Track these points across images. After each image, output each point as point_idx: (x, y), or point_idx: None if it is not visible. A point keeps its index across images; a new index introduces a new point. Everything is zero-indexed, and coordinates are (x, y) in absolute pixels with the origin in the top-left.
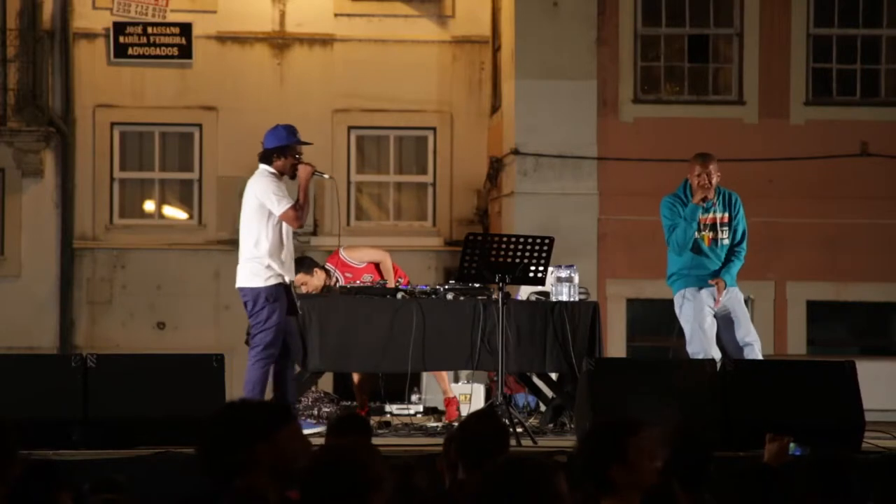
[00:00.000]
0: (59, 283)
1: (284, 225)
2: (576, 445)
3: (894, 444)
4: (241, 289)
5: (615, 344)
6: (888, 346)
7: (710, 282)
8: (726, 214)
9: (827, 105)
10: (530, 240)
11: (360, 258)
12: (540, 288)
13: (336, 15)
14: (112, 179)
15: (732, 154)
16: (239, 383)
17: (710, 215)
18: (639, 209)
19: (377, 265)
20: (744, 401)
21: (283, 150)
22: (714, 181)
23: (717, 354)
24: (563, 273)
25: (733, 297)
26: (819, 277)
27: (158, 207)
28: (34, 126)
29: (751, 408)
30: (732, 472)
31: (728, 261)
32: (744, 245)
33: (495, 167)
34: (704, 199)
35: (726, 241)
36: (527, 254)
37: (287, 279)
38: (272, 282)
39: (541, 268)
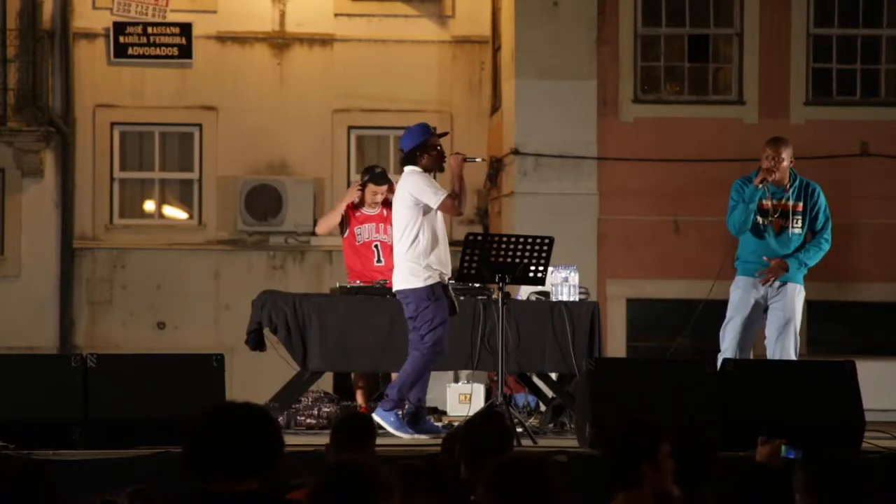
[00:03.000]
0: (59, 283)
1: (439, 223)
2: (603, 439)
3: (894, 444)
4: (401, 291)
5: (615, 344)
6: (888, 346)
7: (765, 258)
8: (801, 203)
9: (827, 105)
10: (530, 240)
11: None
12: (540, 288)
13: (336, 15)
14: (112, 179)
15: (732, 154)
16: (239, 383)
17: (783, 201)
18: (639, 209)
19: None
20: (744, 401)
21: (423, 146)
22: (784, 165)
23: (736, 352)
24: (563, 273)
25: (787, 296)
26: (819, 277)
27: (158, 207)
28: (34, 126)
29: (751, 408)
30: (731, 472)
31: (801, 246)
32: (825, 235)
33: (495, 167)
34: (764, 181)
35: (798, 231)
36: (527, 254)
37: (446, 278)
38: (431, 281)
39: (541, 268)
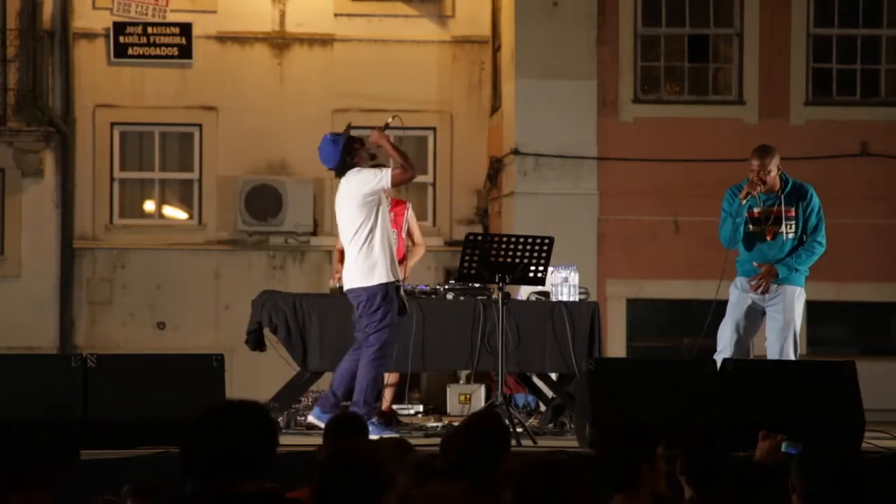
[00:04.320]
0: (59, 283)
1: (388, 227)
2: (601, 440)
3: (894, 444)
4: (353, 290)
5: (615, 344)
6: (888, 346)
7: (755, 264)
8: (793, 208)
9: (827, 105)
10: (530, 240)
11: (413, 223)
12: (540, 288)
13: (336, 15)
14: (112, 179)
15: (732, 154)
16: (239, 383)
17: (774, 207)
18: (639, 209)
19: (411, 234)
20: (744, 401)
21: (346, 150)
22: (772, 176)
23: (733, 352)
24: (563, 273)
25: (786, 299)
26: (819, 277)
27: (158, 207)
28: (34, 126)
29: (751, 408)
30: (731, 472)
31: (792, 251)
32: (817, 238)
33: (495, 167)
34: (749, 195)
35: (792, 236)
36: (527, 254)
37: (396, 279)
38: (383, 280)
39: (541, 268)
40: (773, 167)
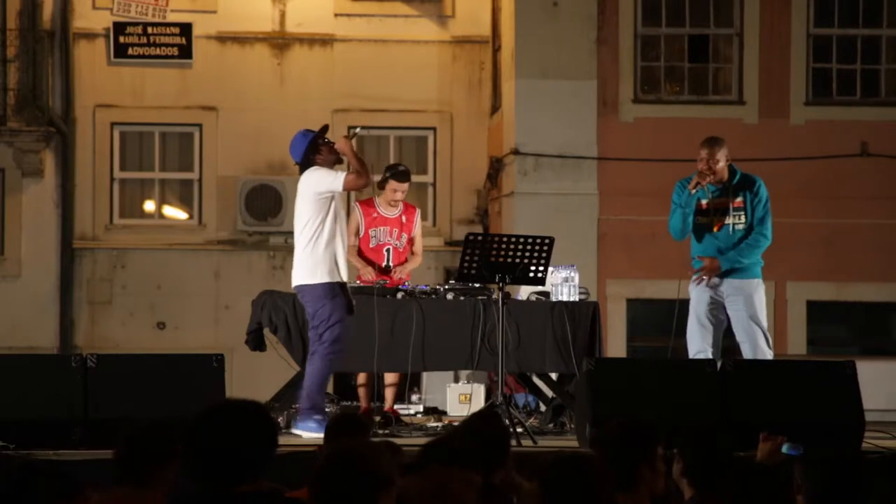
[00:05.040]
0: (59, 283)
1: (341, 224)
2: (601, 441)
3: (894, 444)
4: (300, 286)
5: (615, 344)
6: (888, 346)
7: (698, 257)
8: (741, 199)
9: (827, 105)
10: (530, 240)
11: (418, 231)
12: (540, 288)
13: (336, 15)
14: (112, 179)
15: (732, 154)
16: (239, 383)
17: (722, 199)
18: (639, 209)
19: (412, 240)
20: (744, 401)
21: (312, 148)
22: (720, 167)
23: (699, 350)
24: (563, 273)
25: (745, 293)
26: (819, 277)
27: (158, 207)
28: (34, 126)
29: (751, 408)
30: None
31: (736, 245)
32: (763, 231)
33: (495, 167)
34: (698, 185)
35: (741, 227)
36: (527, 254)
37: (345, 278)
38: (330, 278)
39: (541, 268)
40: (722, 157)
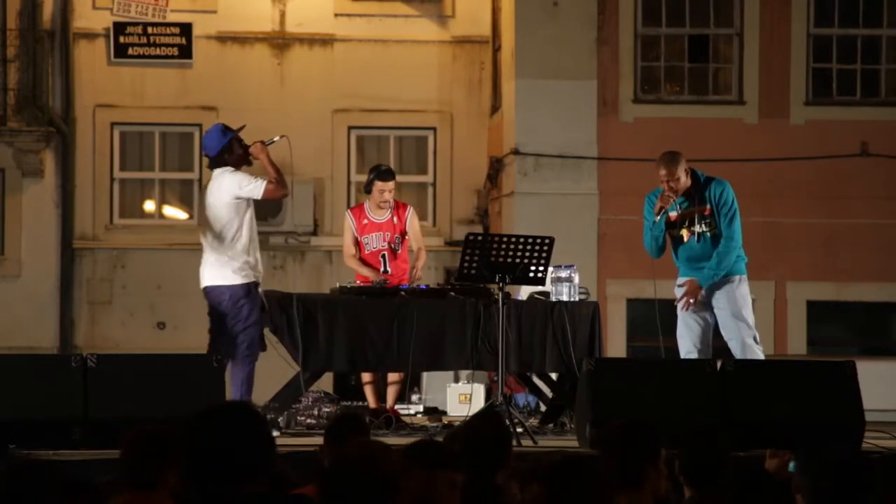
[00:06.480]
0: (59, 283)
1: (254, 224)
2: (605, 440)
3: (894, 444)
4: (216, 287)
5: (615, 344)
6: (888, 346)
7: (679, 284)
8: (707, 206)
9: (827, 105)
10: (530, 240)
11: (414, 227)
12: (540, 288)
13: (336, 15)
14: (112, 179)
15: (732, 154)
16: None
17: (689, 209)
18: (639, 209)
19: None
20: (744, 401)
21: (228, 147)
22: (681, 183)
23: (688, 351)
24: (563, 273)
25: (728, 291)
26: (819, 277)
27: (158, 207)
28: (34, 126)
29: (751, 408)
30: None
31: (708, 255)
32: (730, 235)
33: (495, 167)
34: (662, 209)
35: (712, 232)
36: (527, 254)
37: (259, 278)
38: (248, 279)
39: (541, 268)
40: (681, 173)
